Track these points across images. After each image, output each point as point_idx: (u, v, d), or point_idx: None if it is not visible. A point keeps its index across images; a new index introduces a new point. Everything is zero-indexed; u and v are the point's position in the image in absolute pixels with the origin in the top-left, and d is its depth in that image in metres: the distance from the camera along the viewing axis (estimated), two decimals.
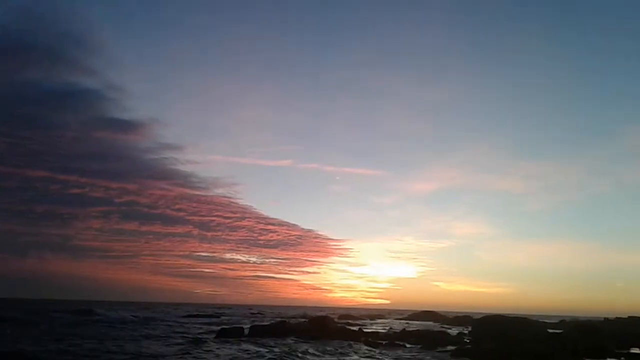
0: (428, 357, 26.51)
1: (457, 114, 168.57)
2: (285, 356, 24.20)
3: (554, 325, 45.90)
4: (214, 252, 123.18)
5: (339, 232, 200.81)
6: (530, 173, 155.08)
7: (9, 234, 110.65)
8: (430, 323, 68.30)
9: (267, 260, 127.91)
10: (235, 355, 23.86)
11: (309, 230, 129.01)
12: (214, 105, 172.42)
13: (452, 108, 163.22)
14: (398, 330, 41.10)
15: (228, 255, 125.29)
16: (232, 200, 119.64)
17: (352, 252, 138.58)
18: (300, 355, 24.87)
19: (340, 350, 27.96)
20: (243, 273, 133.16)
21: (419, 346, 31.28)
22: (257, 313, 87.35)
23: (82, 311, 60.49)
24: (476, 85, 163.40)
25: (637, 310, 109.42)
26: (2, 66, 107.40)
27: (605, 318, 46.72)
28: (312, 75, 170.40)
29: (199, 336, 34.01)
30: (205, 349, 26.30)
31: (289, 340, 31.48)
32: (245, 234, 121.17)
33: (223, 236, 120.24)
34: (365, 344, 31.46)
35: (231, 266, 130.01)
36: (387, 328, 46.33)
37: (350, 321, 61.27)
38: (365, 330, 41.06)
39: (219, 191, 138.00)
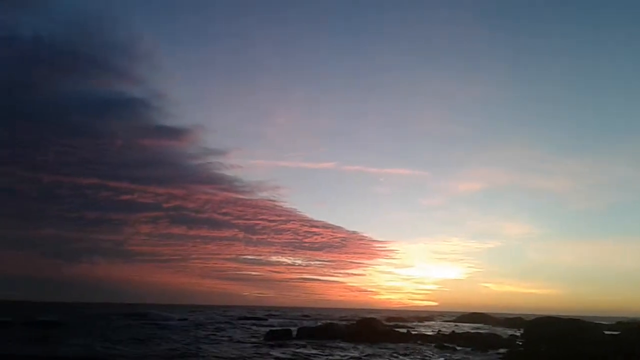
0: None
1: (500, 110, 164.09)
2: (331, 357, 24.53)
3: (610, 327, 44.23)
4: (260, 255, 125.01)
5: (383, 234, 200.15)
6: (578, 170, 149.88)
7: (62, 240, 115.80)
8: (480, 325, 67.04)
9: (312, 262, 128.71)
10: (283, 357, 24.33)
11: (354, 232, 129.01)
12: (256, 110, 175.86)
13: (494, 105, 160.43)
14: (447, 333, 40.68)
15: (274, 258, 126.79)
16: (276, 203, 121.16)
17: (397, 253, 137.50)
18: (349, 356, 25.15)
19: (390, 352, 28.05)
20: (289, 275, 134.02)
21: (469, 349, 30.92)
22: (306, 316, 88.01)
23: (136, 314, 62.77)
24: (519, 81, 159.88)
25: None
26: (51, 76, 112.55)
27: None
28: (353, 76, 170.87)
29: (248, 338, 34.80)
30: (255, 351, 26.95)
31: (337, 343, 31.76)
32: (290, 237, 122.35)
33: (268, 239, 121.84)
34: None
35: (277, 269, 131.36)
36: (435, 330, 45.88)
37: (398, 323, 60.96)
38: (413, 332, 40.85)
39: (263, 195, 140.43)
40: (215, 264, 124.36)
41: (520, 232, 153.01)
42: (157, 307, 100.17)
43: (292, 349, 27.71)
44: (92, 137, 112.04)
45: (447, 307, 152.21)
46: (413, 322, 73.29)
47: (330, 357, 25.13)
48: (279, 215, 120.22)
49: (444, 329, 47.18)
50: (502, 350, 28.81)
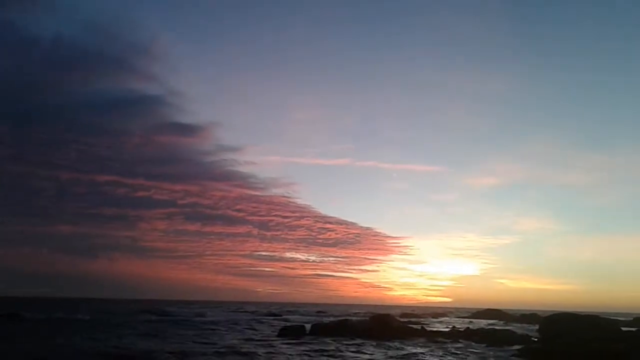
0: (494, 356, 26.03)
1: (517, 105, 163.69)
2: (342, 353, 24.52)
3: (627, 323, 43.73)
4: (274, 252, 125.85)
5: (397, 230, 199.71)
6: (595, 165, 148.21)
7: (79, 236, 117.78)
8: (495, 321, 66.56)
9: (326, 258, 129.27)
10: (297, 353, 24.38)
11: (368, 228, 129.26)
12: (270, 107, 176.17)
13: (511, 100, 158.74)
14: (462, 329, 40.44)
15: (288, 254, 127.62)
16: (290, 199, 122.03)
17: (411, 249, 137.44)
18: (362, 351, 25.13)
19: (401, 347, 28.00)
20: (303, 272, 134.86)
21: (484, 345, 30.73)
22: (321, 312, 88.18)
23: (154, 310, 63.44)
24: (536, 76, 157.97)
25: None
26: (69, 76, 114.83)
27: None
28: (366, 72, 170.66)
29: (262, 334, 34.95)
30: (269, 347, 27.04)
31: (350, 339, 31.73)
32: (304, 233, 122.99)
33: (282, 235, 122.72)
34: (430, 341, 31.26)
35: (291, 265, 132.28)
36: (450, 326, 45.63)
37: (412, 319, 60.78)
38: (428, 328, 40.68)
39: (277, 191, 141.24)
40: (230, 260, 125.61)
41: (537, 228, 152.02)
42: (173, 303, 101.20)
43: (306, 346, 27.75)
44: (109, 134, 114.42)
45: (461, 304, 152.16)
46: (427, 318, 73.06)
47: (344, 353, 25.10)
48: (293, 212, 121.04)
49: (458, 325, 46.92)
50: (517, 347, 28.55)
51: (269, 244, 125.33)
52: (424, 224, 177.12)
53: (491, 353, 27.05)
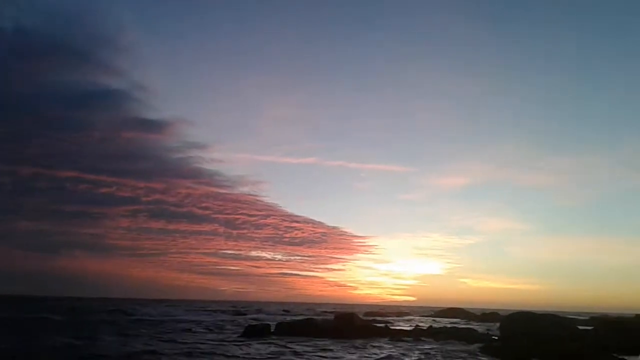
0: (455, 355, 26.46)
1: (485, 107, 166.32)
2: (307, 353, 24.56)
3: (584, 322, 45.15)
4: (240, 250, 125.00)
5: (364, 229, 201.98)
6: (560, 168, 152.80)
7: (40, 233, 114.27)
8: (458, 320, 67.84)
9: (292, 257, 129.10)
10: (262, 354, 24.29)
11: (334, 228, 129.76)
12: (239, 104, 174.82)
13: (479, 102, 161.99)
14: (425, 328, 41.04)
15: (254, 253, 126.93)
16: (257, 198, 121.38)
17: (377, 249, 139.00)
18: (325, 350, 25.22)
19: (366, 346, 28.18)
20: (269, 270, 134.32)
21: (446, 343, 31.17)
22: (286, 311, 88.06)
23: (119, 309, 62.19)
24: (506, 79, 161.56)
25: None
26: (32, 68, 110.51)
27: (636, 314, 45.73)
28: (337, 71, 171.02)
29: (227, 334, 34.67)
30: (233, 346, 26.86)
31: (315, 338, 31.77)
32: (271, 232, 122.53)
33: (248, 234, 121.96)
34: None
35: (257, 264, 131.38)
36: (413, 325, 46.23)
37: (376, 318, 61.36)
38: (391, 327, 41.11)
39: (244, 189, 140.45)
40: (195, 258, 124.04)
41: (502, 228, 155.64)
42: (136, 303, 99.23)
43: (271, 345, 27.66)
44: (72, 129, 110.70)
45: (425, 302, 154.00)
46: (391, 317, 73.85)
47: (307, 352, 25.12)
48: (260, 210, 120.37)
49: (421, 324, 47.59)
50: (478, 345, 29.14)
51: (234, 243, 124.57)
52: (390, 224, 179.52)
53: (453, 351, 27.50)
